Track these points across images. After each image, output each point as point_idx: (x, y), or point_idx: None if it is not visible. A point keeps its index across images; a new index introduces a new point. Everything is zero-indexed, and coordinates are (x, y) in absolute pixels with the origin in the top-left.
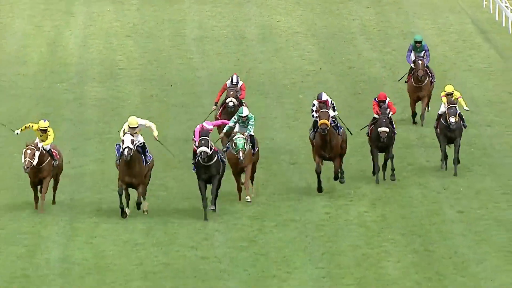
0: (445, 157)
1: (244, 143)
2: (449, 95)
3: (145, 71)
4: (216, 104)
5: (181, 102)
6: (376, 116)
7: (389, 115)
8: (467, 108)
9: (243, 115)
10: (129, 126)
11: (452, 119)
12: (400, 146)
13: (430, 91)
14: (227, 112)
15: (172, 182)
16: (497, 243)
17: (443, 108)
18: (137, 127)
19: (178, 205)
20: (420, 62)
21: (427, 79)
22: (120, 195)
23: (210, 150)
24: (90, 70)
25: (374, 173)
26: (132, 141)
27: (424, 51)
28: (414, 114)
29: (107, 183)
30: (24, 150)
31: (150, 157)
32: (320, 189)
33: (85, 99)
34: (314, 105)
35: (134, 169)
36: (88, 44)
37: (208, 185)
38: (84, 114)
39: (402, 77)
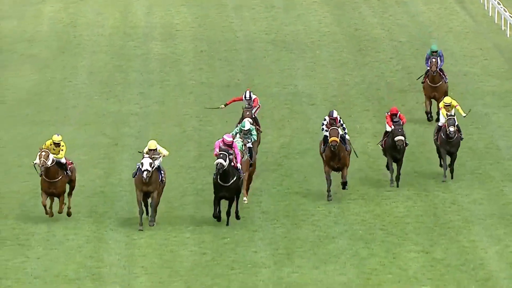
0: (445, 168)
1: (242, 145)
2: (447, 106)
3: (196, 32)
4: (226, 105)
5: (224, 57)
6: (388, 129)
7: (402, 127)
8: (464, 115)
9: (245, 128)
10: (149, 148)
11: (451, 128)
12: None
13: (444, 91)
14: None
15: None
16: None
17: (442, 120)
18: (156, 149)
19: None
20: (434, 60)
21: (441, 81)
22: (140, 206)
23: (228, 167)
24: (153, 32)
25: (391, 181)
26: (151, 164)
27: (439, 57)
28: (428, 113)
29: (167, 120)
30: (39, 152)
31: (163, 174)
32: (329, 193)
33: (149, 54)
34: (325, 119)
35: (150, 179)
36: (152, 11)
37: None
38: (149, 66)
39: (420, 77)
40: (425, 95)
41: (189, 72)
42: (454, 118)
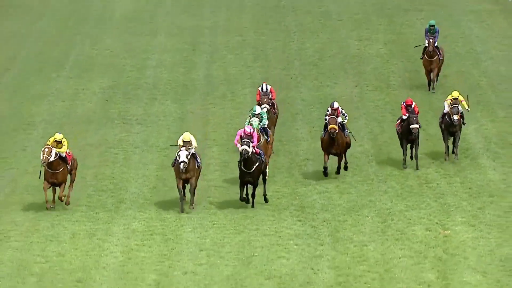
0: (447, 149)
1: (259, 124)
2: (455, 99)
3: None
4: (257, 101)
5: None
6: (404, 116)
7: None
8: (468, 108)
9: (256, 112)
10: (183, 140)
11: (455, 117)
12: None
13: (438, 64)
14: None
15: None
16: None
17: (447, 108)
18: (190, 141)
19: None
20: (431, 40)
21: (436, 56)
22: (180, 192)
23: (251, 154)
24: None
25: (404, 160)
26: (187, 156)
27: (436, 32)
28: (429, 82)
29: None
30: (43, 148)
31: (199, 162)
32: (325, 173)
33: None
34: (328, 110)
35: (189, 166)
36: None
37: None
38: None
39: (416, 46)
40: (424, 68)
41: None
42: (457, 107)
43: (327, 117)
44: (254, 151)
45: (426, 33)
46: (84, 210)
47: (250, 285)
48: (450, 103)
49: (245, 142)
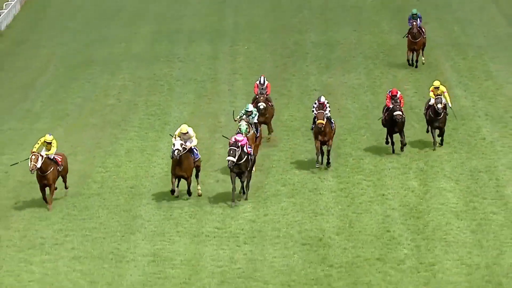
0: (434, 142)
1: (247, 128)
2: (436, 88)
3: None
4: (255, 94)
5: None
6: (389, 107)
7: (401, 105)
8: (450, 105)
9: (249, 110)
10: (180, 132)
11: (439, 105)
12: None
13: (421, 45)
14: (259, 111)
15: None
16: None
17: (432, 101)
18: (187, 133)
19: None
20: (414, 23)
21: (420, 37)
22: (173, 184)
23: (236, 157)
24: None
25: (391, 148)
26: (181, 145)
27: (418, 18)
28: (409, 62)
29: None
30: (30, 156)
31: (198, 156)
32: (318, 162)
33: None
34: (315, 103)
35: (183, 164)
36: None
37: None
38: None
39: (404, 35)
40: (407, 47)
41: None
42: (441, 97)
43: (314, 110)
44: (245, 151)
45: (409, 20)
46: (136, 130)
47: (269, 190)
48: (433, 94)
49: (231, 152)
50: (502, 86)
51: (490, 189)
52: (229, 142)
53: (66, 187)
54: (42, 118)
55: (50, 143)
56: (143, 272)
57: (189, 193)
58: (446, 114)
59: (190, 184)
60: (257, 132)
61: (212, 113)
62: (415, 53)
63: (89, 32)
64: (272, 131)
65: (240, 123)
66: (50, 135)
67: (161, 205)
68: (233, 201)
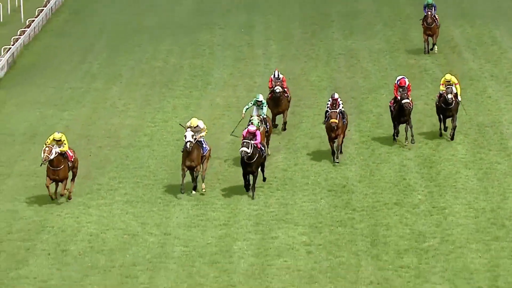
0: (440, 130)
1: (259, 122)
2: (447, 81)
3: None
4: (270, 88)
5: None
6: (397, 97)
7: (409, 94)
8: (460, 99)
9: (259, 99)
10: (191, 125)
11: (449, 95)
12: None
13: (436, 31)
14: (274, 96)
15: None
16: None
17: (442, 91)
18: (197, 126)
19: None
20: (429, 13)
21: (433, 24)
22: (182, 178)
23: (253, 149)
24: None
25: (394, 136)
26: (192, 136)
27: (433, 7)
28: (425, 50)
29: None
30: (44, 148)
31: (207, 149)
32: (333, 154)
33: None
34: (329, 100)
35: (193, 155)
36: None
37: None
38: None
39: (421, 19)
40: (423, 33)
41: None
42: (452, 87)
43: (329, 107)
44: (256, 147)
45: (424, 8)
46: (181, 89)
47: (299, 143)
48: (445, 84)
49: (244, 144)
50: (506, 50)
51: (495, 141)
52: (242, 135)
53: (72, 180)
54: (98, 79)
55: (60, 141)
56: (187, 215)
57: (194, 188)
58: (457, 103)
59: (198, 175)
60: (266, 126)
61: (248, 74)
62: (430, 39)
63: (138, 3)
64: (286, 122)
65: (252, 118)
66: (58, 133)
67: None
68: (251, 194)
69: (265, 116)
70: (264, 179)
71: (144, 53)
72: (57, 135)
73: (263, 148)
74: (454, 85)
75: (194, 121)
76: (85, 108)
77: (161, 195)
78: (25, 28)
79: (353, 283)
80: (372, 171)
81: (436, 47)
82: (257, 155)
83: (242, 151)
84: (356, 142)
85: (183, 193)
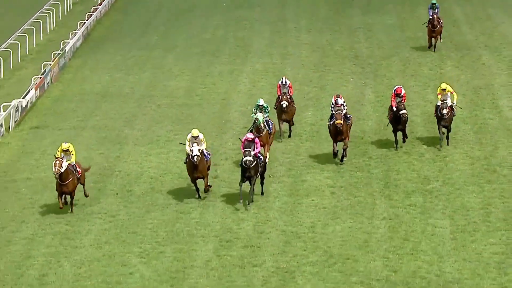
0: (440, 137)
1: (263, 117)
2: (443, 90)
3: None
4: (278, 95)
5: None
6: (394, 107)
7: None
8: (455, 103)
9: (260, 104)
10: (192, 135)
11: (444, 111)
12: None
13: (439, 32)
14: (281, 109)
15: None
16: None
17: (439, 103)
18: (198, 137)
19: None
20: (435, 16)
21: (438, 26)
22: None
23: (253, 158)
24: None
25: (396, 143)
26: (199, 150)
27: (437, 8)
28: (429, 46)
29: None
30: (54, 161)
31: (208, 156)
32: (335, 155)
33: None
34: (333, 103)
35: (199, 167)
36: None
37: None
38: None
39: (424, 23)
40: (427, 34)
41: None
42: (446, 102)
43: (333, 109)
44: (254, 153)
45: (429, 9)
46: (226, 57)
47: (325, 102)
48: (441, 97)
49: (246, 153)
50: (498, 25)
51: (488, 101)
52: (242, 144)
53: (86, 195)
54: (157, 49)
55: (67, 150)
56: (231, 161)
57: (206, 191)
58: (453, 114)
59: (208, 182)
60: (270, 129)
61: (282, 44)
62: (433, 39)
63: None
64: (293, 125)
65: (256, 115)
66: (66, 143)
67: (245, 111)
68: (242, 201)
69: (268, 119)
70: (262, 193)
71: (195, 27)
72: (64, 145)
73: (261, 157)
74: (450, 93)
75: (195, 132)
76: (146, 72)
77: (209, 145)
78: (97, 5)
79: (369, 218)
80: (385, 126)
81: (440, 39)
82: (255, 162)
83: (246, 161)
84: (372, 101)
85: (199, 197)
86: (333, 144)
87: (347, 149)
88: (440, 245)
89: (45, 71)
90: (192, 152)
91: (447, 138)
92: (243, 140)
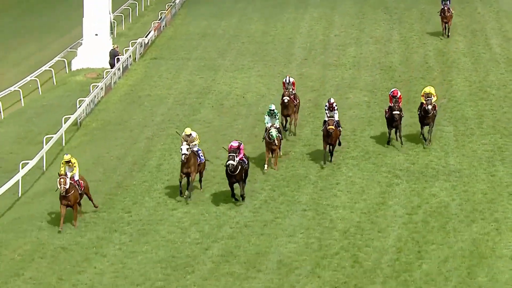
0: (423, 134)
1: (277, 133)
2: (427, 94)
3: None
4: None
5: None
6: (391, 105)
7: (400, 104)
8: (436, 108)
9: (271, 109)
10: (185, 133)
11: (429, 106)
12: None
13: (450, 19)
14: (283, 104)
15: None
16: None
17: (424, 101)
18: (190, 134)
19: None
20: (446, 8)
21: (449, 14)
22: (180, 183)
23: (236, 162)
24: None
25: (388, 141)
26: (187, 149)
27: (448, 1)
28: (443, 31)
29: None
30: (58, 179)
31: (203, 159)
32: (324, 159)
33: None
34: (326, 105)
35: (189, 163)
36: None
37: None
38: None
39: (439, 11)
40: (441, 21)
41: None
42: (430, 99)
43: (326, 112)
44: (239, 159)
45: (442, 1)
46: (290, 12)
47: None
48: (425, 96)
49: (230, 157)
50: None
51: (482, 40)
52: (228, 149)
53: (95, 206)
54: (241, 1)
55: (69, 162)
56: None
57: (189, 190)
58: (435, 113)
59: (193, 181)
60: (281, 135)
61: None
62: (446, 25)
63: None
64: (296, 123)
65: (270, 130)
66: (67, 154)
67: (305, 47)
68: (234, 198)
69: (278, 126)
70: (243, 198)
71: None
72: (66, 157)
73: (245, 161)
74: (432, 96)
75: (188, 130)
76: (234, 19)
77: (279, 72)
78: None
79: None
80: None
81: (449, 32)
82: (240, 167)
83: (229, 164)
84: (397, 40)
85: (182, 196)
86: (324, 146)
87: (334, 150)
88: (446, 144)
89: (161, 17)
90: (181, 151)
91: (430, 137)
92: (229, 148)
